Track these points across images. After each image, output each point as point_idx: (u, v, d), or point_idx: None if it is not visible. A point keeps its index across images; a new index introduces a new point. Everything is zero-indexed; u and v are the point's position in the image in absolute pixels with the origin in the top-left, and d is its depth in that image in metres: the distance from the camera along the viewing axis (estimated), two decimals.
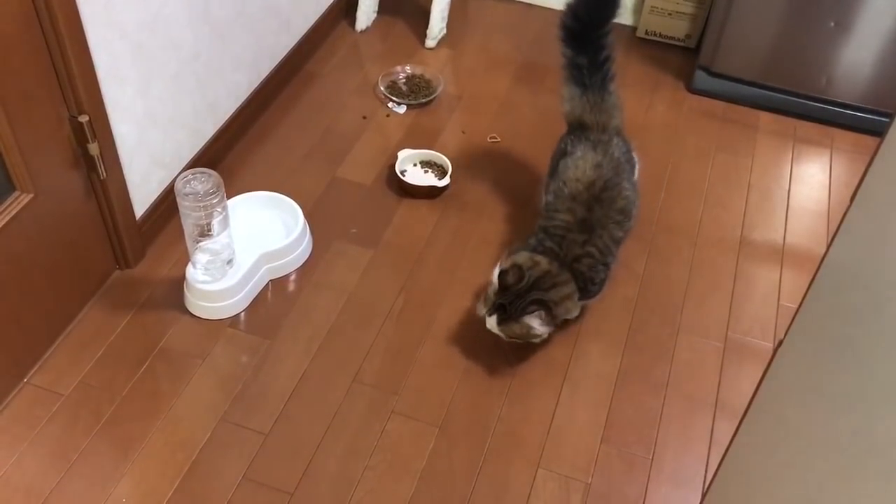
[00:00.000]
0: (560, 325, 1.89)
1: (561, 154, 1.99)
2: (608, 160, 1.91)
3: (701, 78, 2.66)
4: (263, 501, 1.64)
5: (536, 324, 1.79)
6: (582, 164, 1.91)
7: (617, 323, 2.01)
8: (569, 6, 1.94)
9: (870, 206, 0.86)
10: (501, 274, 1.78)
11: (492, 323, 1.82)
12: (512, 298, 1.77)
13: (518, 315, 1.77)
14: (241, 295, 1.96)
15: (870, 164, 0.86)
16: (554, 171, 1.98)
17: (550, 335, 1.90)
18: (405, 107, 2.57)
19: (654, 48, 2.88)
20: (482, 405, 1.82)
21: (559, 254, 1.84)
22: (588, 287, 1.86)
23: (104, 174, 1.85)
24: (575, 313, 1.92)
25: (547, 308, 1.77)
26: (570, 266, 1.83)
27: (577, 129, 2.00)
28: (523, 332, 1.81)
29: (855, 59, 2.44)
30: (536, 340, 1.86)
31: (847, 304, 0.90)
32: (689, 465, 1.75)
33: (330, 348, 1.91)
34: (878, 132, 2.53)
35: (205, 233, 1.86)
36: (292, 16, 2.54)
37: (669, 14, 2.82)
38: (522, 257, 1.83)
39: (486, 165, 2.39)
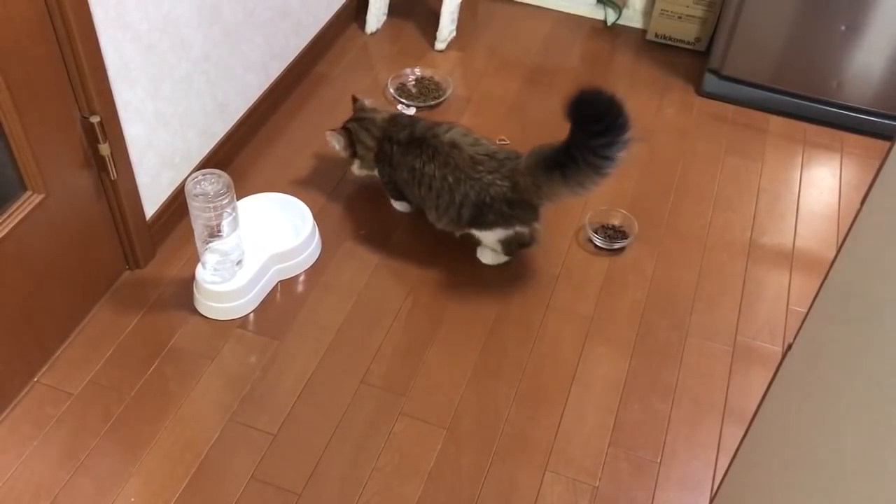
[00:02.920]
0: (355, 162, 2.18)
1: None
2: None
3: (710, 81, 2.66)
4: (271, 502, 1.64)
5: (337, 144, 2.16)
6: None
7: (625, 326, 2.00)
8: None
9: (880, 209, 0.86)
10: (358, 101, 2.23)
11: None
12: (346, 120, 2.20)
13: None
14: (250, 296, 1.96)
15: (880, 168, 0.86)
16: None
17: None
18: (415, 109, 2.57)
19: (663, 51, 2.87)
20: (490, 407, 1.83)
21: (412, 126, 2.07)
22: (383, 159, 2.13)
23: (115, 175, 1.85)
24: (357, 171, 2.21)
25: (347, 135, 2.14)
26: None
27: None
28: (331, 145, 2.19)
29: (866, 62, 2.43)
30: (354, 169, 2.21)
31: (857, 308, 0.89)
32: (697, 470, 1.74)
33: (338, 349, 1.92)
34: (889, 136, 2.53)
35: (214, 233, 1.87)
36: (303, 17, 2.55)
37: (679, 17, 2.81)
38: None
39: None
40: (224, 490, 1.66)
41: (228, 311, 1.95)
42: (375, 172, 2.19)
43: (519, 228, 1.98)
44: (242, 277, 1.94)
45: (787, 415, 1.09)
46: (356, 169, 2.21)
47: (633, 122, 1.77)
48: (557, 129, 1.91)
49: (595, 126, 1.76)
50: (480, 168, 1.93)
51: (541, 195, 1.92)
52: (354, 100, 2.23)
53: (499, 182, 1.91)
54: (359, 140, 2.14)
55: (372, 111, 2.18)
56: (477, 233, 2.02)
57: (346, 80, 2.67)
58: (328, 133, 2.17)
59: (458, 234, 2.08)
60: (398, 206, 2.24)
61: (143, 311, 1.96)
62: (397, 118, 2.14)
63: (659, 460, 1.75)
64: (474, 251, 2.14)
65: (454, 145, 1.96)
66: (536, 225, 2.00)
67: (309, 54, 2.63)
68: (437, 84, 2.64)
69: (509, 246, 2.03)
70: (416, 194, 2.05)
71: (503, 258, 2.10)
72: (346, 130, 2.15)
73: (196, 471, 1.68)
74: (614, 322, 2.01)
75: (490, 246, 2.06)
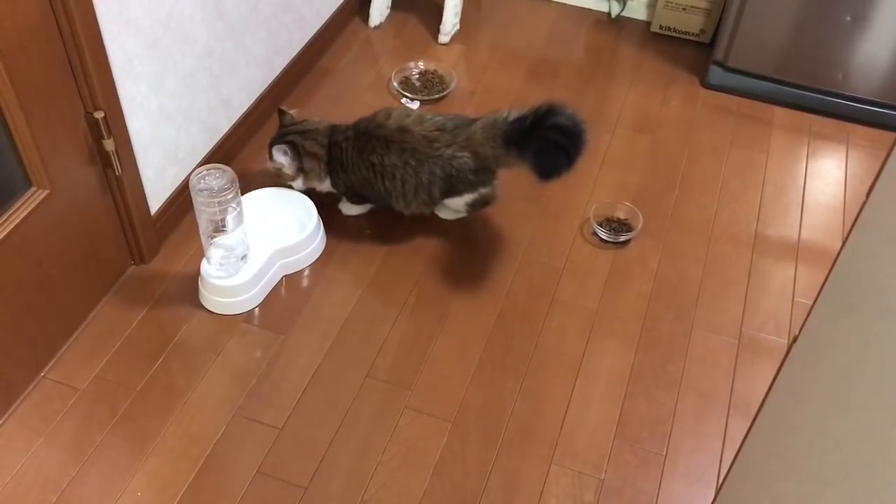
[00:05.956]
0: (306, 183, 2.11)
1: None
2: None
3: (715, 73, 2.65)
4: (277, 495, 1.65)
5: (284, 160, 2.04)
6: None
7: (630, 319, 2.00)
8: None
9: (886, 201, 0.86)
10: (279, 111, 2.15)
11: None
12: (276, 136, 2.09)
13: (270, 147, 2.06)
14: (255, 290, 1.97)
15: (886, 160, 0.86)
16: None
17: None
18: (418, 103, 2.57)
19: (668, 43, 2.86)
20: (495, 400, 1.83)
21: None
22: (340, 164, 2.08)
23: (119, 170, 1.86)
24: (321, 185, 2.12)
25: (294, 148, 2.03)
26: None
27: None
28: (277, 168, 2.07)
29: (871, 53, 2.42)
30: (296, 186, 2.10)
31: (863, 299, 0.89)
32: (702, 462, 1.74)
33: (343, 343, 1.92)
34: (895, 127, 2.52)
35: (219, 228, 1.87)
36: (306, 12, 2.55)
37: (684, 9, 2.80)
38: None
39: None
40: (230, 484, 1.66)
41: (233, 306, 1.96)
42: (322, 186, 2.12)
43: (483, 190, 2.08)
44: (247, 272, 1.94)
45: (793, 407, 1.09)
46: (296, 186, 2.11)
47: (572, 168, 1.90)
48: None
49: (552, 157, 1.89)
50: (437, 144, 1.99)
51: (499, 164, 2.01)
52: (281, 112, 2.13)
53: (458, 154, 1.98)
54: (306, 152, 2.05)
55: (305, 122, 2.10)
56: (448, 202, 2.09)
57: (349, 74, 2.67)
58: (275, 148, 2.03)
59: (428, 213, 2.14)
60: (353, 210, 2.19)
61: (149, 307, 1.97)
62: (337, 125, 2.10)
63: (664, 453, 1.75)
64: (478, 245, 2.14)
65: (403, 130, 2.00)
66: (495, 182, 2.11)
67: (312, 49, 2.63)
68: (440, 77, 2.64)
69: (474, 206, 2.13)
70: (380, 188, 2.04)
71: (462, 215, 2.19)
72: (291, 144, 2.04)
73: (202, 465, 1.69)
74: (619, 315, 2.01)
75: (457, 209, 2.14)
